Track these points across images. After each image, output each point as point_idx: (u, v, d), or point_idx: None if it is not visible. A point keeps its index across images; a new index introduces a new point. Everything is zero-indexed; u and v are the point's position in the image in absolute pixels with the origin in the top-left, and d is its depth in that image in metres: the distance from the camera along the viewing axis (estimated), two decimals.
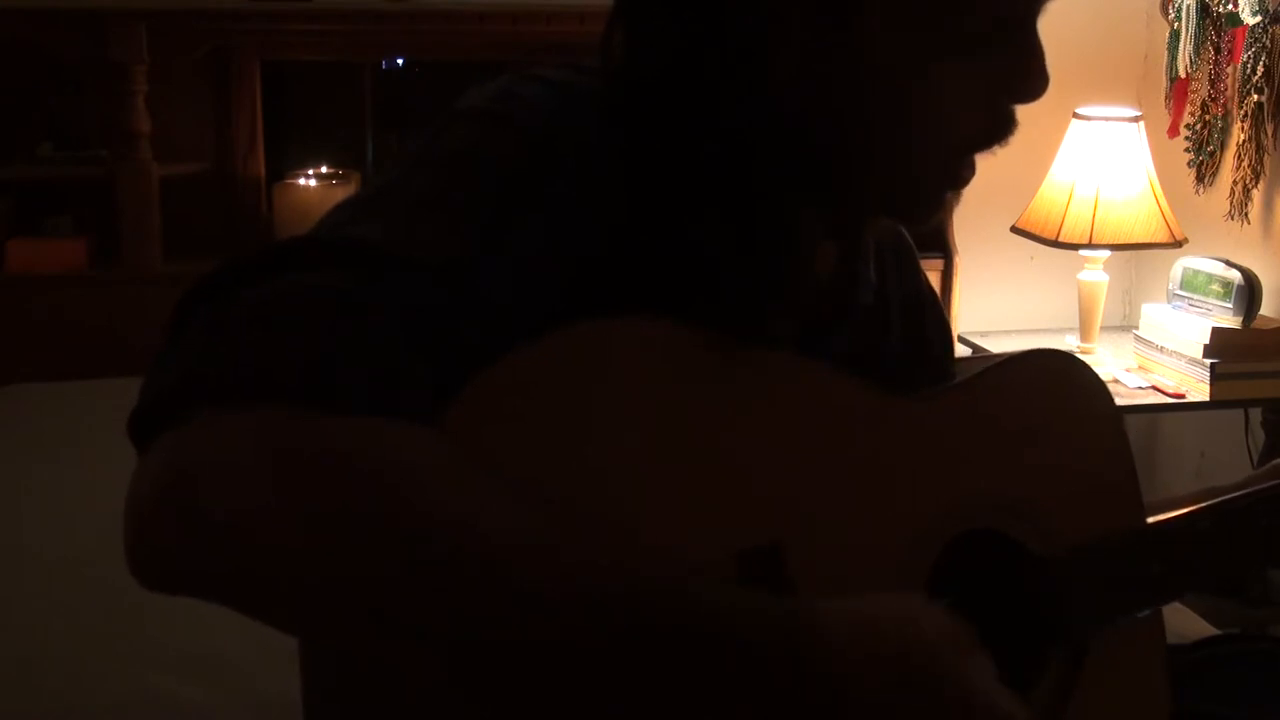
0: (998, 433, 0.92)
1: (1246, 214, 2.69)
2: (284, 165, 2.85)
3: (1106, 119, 2.64)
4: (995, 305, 3.02)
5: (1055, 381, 0.97)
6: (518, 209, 0.76)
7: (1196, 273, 2.63)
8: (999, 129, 0.84)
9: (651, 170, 0.80)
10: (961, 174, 0.86)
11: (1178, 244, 2.65)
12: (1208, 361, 2.54)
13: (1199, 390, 2.56)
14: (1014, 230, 2.74)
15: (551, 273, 0.75)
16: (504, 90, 0.81)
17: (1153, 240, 2.63)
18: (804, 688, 0.66)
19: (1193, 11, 2.73)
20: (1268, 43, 2.60)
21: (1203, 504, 0.99)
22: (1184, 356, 2.60)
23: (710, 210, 0.81)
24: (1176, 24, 2.78)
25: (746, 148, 0.81)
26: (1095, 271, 2.70)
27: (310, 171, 2.83)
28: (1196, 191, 2.81)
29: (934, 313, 1.06)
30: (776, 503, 0.78)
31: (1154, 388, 2.60)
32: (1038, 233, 2.67)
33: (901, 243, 1.03)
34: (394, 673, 0.70)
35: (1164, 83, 2.85)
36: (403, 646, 0.65)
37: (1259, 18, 2.58)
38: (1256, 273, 2.55)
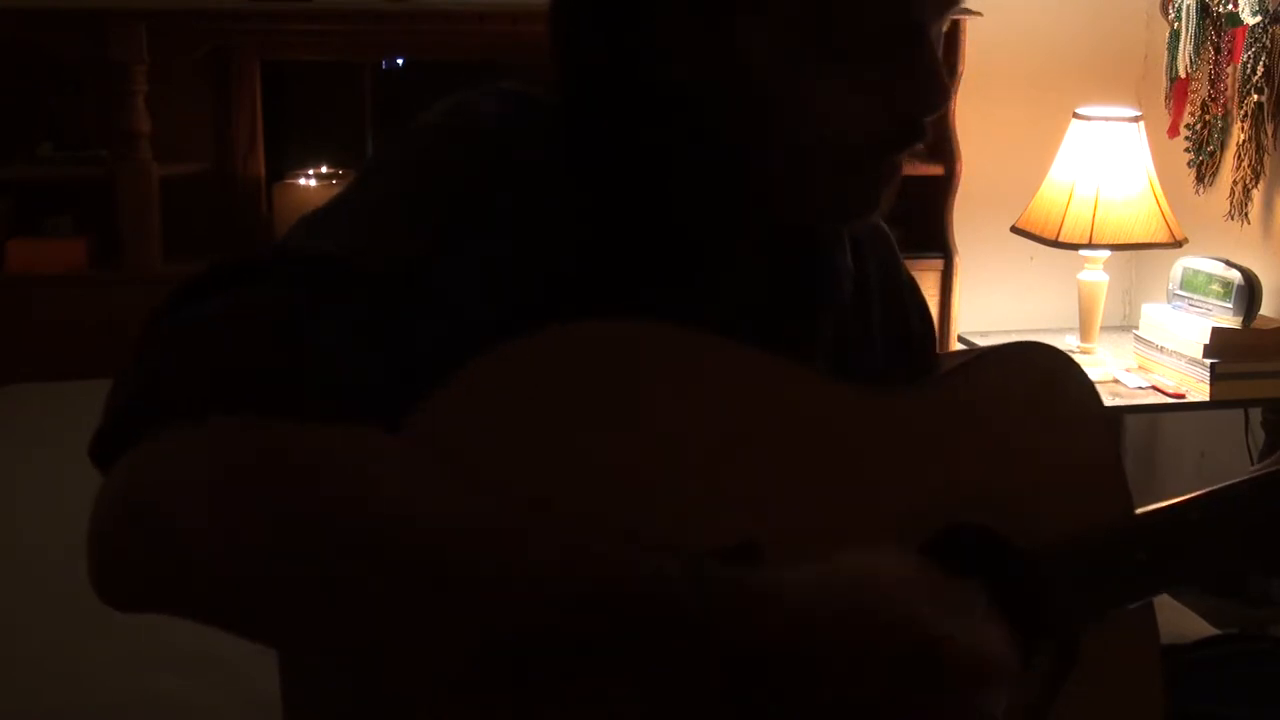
0: (981, 427, 0.92)
1: (1246, 214, 2.69)
2: (284, 165, 2.85)
3: (1106, 119, 2.64)
4: (995, 305, 3.02)
5: (1038, 375, 0.97)
6: (474, 212, 0.76)
7: (1196, 273, 2.63)
8: (905, 135, 0.83)
9: (589, 179, 0.81)
10: (883, 173, 0.85)
11: (1178, 244, 2.65)
12: (1208, 361, 2.54)
13: (1199, 390, 2.56)
14: (1014, 230, 2.74)
15: (510, 274, 0.76)
16: (458, 103, 0.83)
17: (1153, 240, 2.63)
18: (758, 657, 0.67)
19: (1193, 11, 2.73)
20: (1268, 43, 2.60)
21: (1187, 496, 0.99)
22: (1184, 356, 2.60)
23: (632, 209, 0.82)
24: (1176, 24, 2.78)
25: (650, 148, 0.83)
26: (1095, 271, 2.70)
27: (310, 171, 2.83)
28: (1196, 191, 2.81)
29: (913, 297, 1.07)
30: (756, 501, 0.78)
31: (1154, 388, 2.60)
32: (1038, 233, 2.67)
33: (878, 231, 1.04)
34: (370, 671, 0.70)
35: (1164, 83, 2.85)
36: (370, 646, 0.66)
37: (1259, 18, 2.58)
38: (1256, 273, 2.55)
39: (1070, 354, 1.01)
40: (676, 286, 0.83)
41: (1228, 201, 2.72)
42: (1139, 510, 0.98)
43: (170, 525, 0.63)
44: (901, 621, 0.70)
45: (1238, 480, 1.00)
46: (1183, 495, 1.01)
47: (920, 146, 0.85)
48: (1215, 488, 0.99)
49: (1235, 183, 2.69)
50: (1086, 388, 0.99)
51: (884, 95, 0.81)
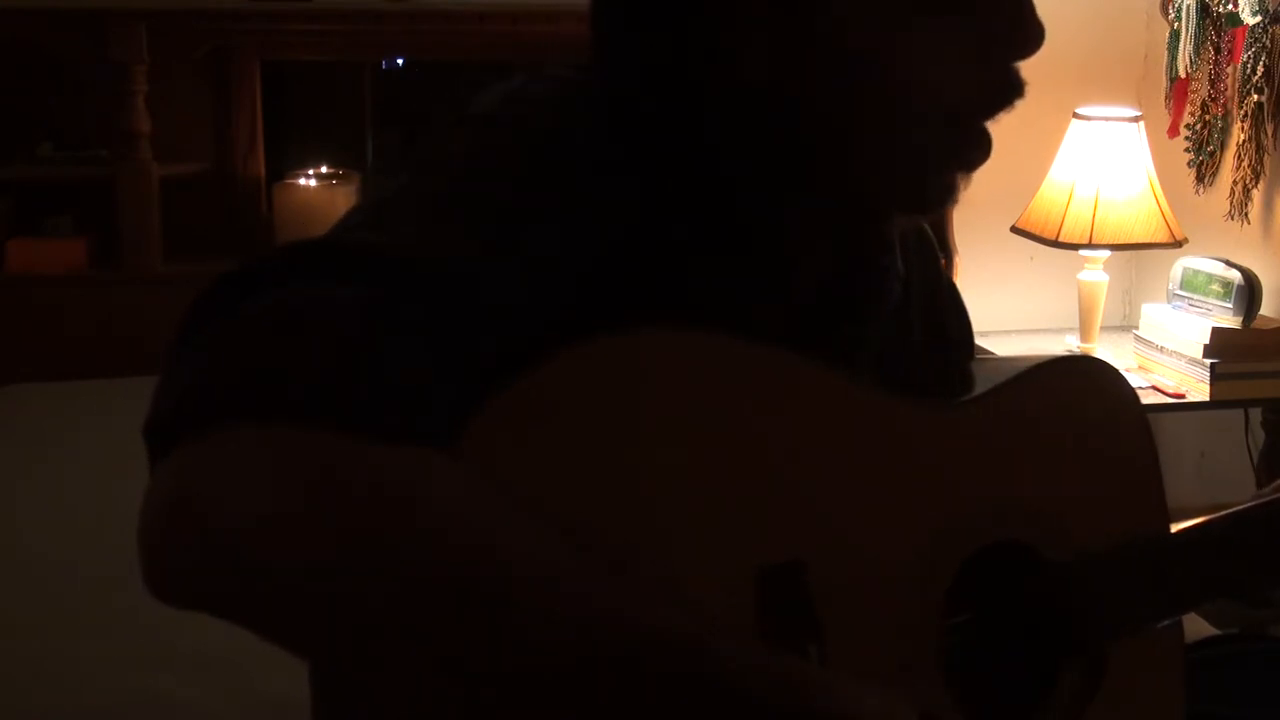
0: (1024, 442, 0.91)
1: (1246, 214, 2.69)
2: (284, 165, 2.85)
3: (1106, 119, 2.64)
4: (995, 305, 3.02)
5: (1085, 389, 0.96)
6: (527, 212, 0.75)
7: (1196, 273, 2.63)
8: (1001, 92, 0.80)
9: (643, 172, 0.79)
10: (969, 153, 0.82)
11: (1178, 244, 2.65)
12: (1208, 361, 2.54)
13: (1199, 390, 2.56)
14: (1014, 230, 2.74)
15: (564, 275, 0.74)
16: (513, 93, 0.81)
17: (1153, 240, 2.63)
18: None
19: (1193, 11, 2.73)
20: (1268, 43, 2.60)
21: (1220, 513, 0.98)
22: (1184, 356, 2.60)
23: (695, 211, 0.80)
24: (1176, 24, 2.78)
25: (722, 148, 0.81)
26: (1095, 271, 2.70)
27: (310, 171, 2.83)
28: (1196, 191, 2.81)
29: (953, 302, 1.05)
30: (800, 516, 0.77)
31: (1154, 388, 2.59)
32: (1038, 233, 2.67)
33: (922, 234, 1.01)
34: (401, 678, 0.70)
35: (1164, 83, 2.85)
36: (412, 664, 0.65)
37: (1259, 18, 2.58)
38: (1256, 273, 2.55)
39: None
40: (725, 284, 0.81)
41: (1228, 201, 2.72)
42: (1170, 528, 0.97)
43: (223, 529, 0.62)
44: None
45: (1264, 500, 1.00)
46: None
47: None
48: (1241, 507, 0.99)
49: (1235, 183, 2.69)
50: (1131, 400, 0.98)
51: (975, 47, 0.79)
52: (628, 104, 0.81)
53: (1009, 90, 0.81)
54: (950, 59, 0.79)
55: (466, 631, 0.63)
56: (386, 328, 0.67)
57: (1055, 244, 2.64)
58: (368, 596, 0.62)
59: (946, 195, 0.83)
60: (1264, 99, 2.61)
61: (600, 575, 0.66)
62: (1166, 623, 0.97)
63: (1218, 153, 2.76)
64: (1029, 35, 0.79)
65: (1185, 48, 2.75)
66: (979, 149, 0.83)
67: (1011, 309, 3.02)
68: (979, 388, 0.94)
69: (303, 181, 2.81)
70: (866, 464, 0.82)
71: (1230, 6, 2.64)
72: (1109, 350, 2.75)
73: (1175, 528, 0.98)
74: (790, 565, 0.75)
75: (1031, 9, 0.80)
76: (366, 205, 0.77)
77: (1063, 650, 0.92)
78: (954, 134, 0.81)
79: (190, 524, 0.62)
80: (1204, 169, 2.79)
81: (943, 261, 1.05)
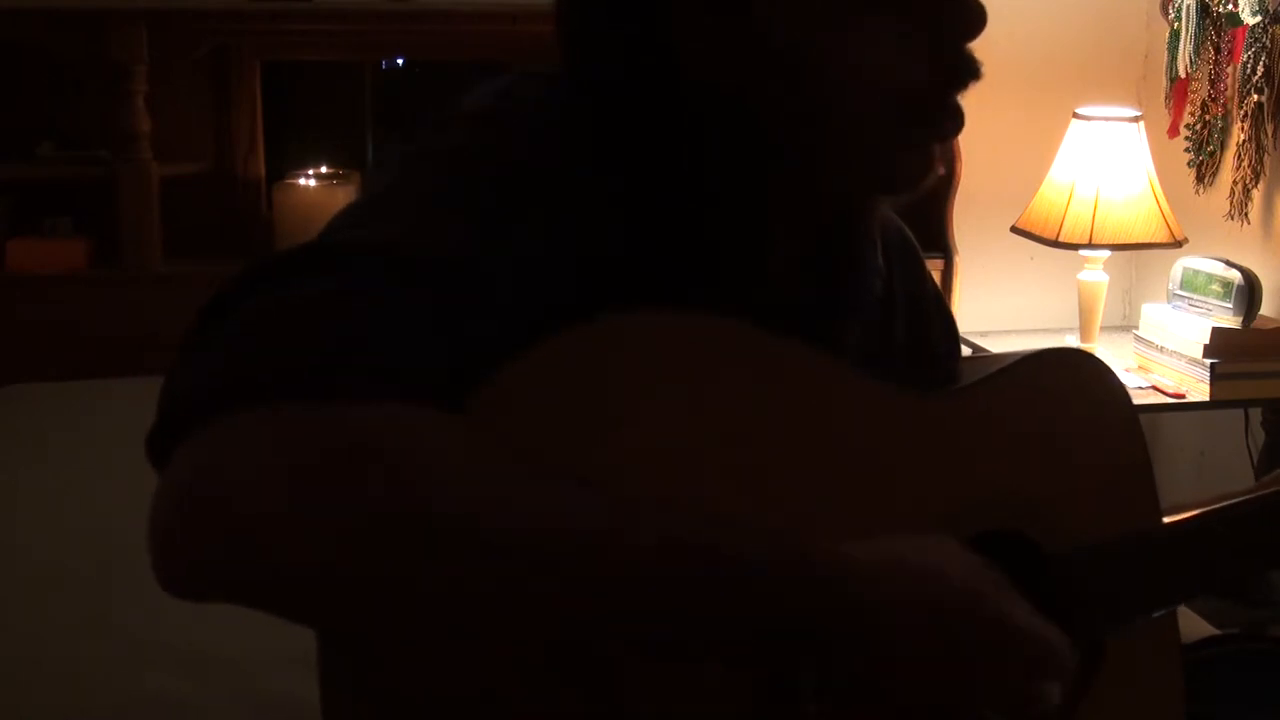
0: (1014, 432, 0.91)
1: (1246, 214, 2.69)
2: (284, 165, 2.85)
3: (1106, 119, 2.64)
4: (995, 305, 3.02)
5: (1072, 380, 0.97)
6: (519, 205, 0.76)
7: (1196, 273, 2.63)
8: (953, 75, 0.82)
9: (626, 169, 0.81)
10: (935, 127, 0.83)
11: (1178, 244, 2.65)
12: (1208, 361, 2.54)
13: (1199, 390, 2.56)
14: (1014, 230, 2.74)
15: (555, 267, 0.75)
16: (505, 89, 0.82)
17: (1153, 240, 2.63)
18: (849, 636, 0.69)
19: (1193, 11, 2.73)
20: (1268, 43, 2.60)
21: (1216, 505, 0.98)
22: (1184, 356, 2.60)
23: (667, 201, 0.81)
24: (1176, 24, 2.78)
25: (682, 138, 0.82)
26: (1095, 271, 2.70)
27: (310, 171, 2.83)
28: (1196, 191, 2.81)
29: (939, 311, 1.05)
30: (789, 501, 0.78)
31: (1154, 388, 2.60)
32: (1038, 233, 2.67)
33: (905, 241, 1.03)
34: (411, 669, 0.70)
35: (1164, 83, 2.85)
36: (433, 631, 0.66)
37: (1259, 18, 2.58)
38: (1256, 273, 2.55)
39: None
40: (705, 281, 0.82)
41: (1228, 201, 2.72)
42: (1164, 520, 0.98)
43: (238, 513, 0.62)
44: (974, 608, 0.72)
45: (1261, 493, 1.00)
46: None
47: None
48: (1238, 500, 0.99)
49: (1235, 183, 2.69)
50: (1118, 392, 0.99)
51: (923, 33, 0.80)
52: (603, 103, 0.83)
53: (963, 72, 0.82)
54: (898, 46, 0.80)
55: (486, 586, 0.64)
56: (373, 318, 0.69)
57: (1055, 244, 2.64)
58: (382, 561, 0.63)
59: (922, 169, 0.84)
60: (1264, 99, 2.61)
61: (602, 505, 0.67)
62: (1161, 613, 0.97)
63: (1218, 153, 2.76)
64: (970, 18, 0.81)
65: (1185, 48, 2.75)
66: (946, 121, 0.83)
67: (1011, 309, 3.02)
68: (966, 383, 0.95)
69: (303, 181, 2.81)
70: (857, 451, 0.82)
71: (1230, 6, 2.64)
72: (1109, 350, 2.75)
73: (1170, 519, 0.98)
74: None
75: None
76: (360, 202, 0.79)
77: None
78: (913, 112, 0.82)
79: (210, 507, 0.63)
80: (1204, 169, 2.79)
81: (930, 272, 1.06)
